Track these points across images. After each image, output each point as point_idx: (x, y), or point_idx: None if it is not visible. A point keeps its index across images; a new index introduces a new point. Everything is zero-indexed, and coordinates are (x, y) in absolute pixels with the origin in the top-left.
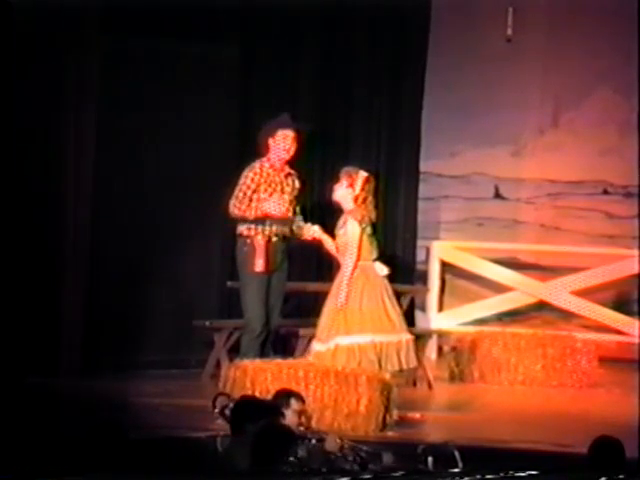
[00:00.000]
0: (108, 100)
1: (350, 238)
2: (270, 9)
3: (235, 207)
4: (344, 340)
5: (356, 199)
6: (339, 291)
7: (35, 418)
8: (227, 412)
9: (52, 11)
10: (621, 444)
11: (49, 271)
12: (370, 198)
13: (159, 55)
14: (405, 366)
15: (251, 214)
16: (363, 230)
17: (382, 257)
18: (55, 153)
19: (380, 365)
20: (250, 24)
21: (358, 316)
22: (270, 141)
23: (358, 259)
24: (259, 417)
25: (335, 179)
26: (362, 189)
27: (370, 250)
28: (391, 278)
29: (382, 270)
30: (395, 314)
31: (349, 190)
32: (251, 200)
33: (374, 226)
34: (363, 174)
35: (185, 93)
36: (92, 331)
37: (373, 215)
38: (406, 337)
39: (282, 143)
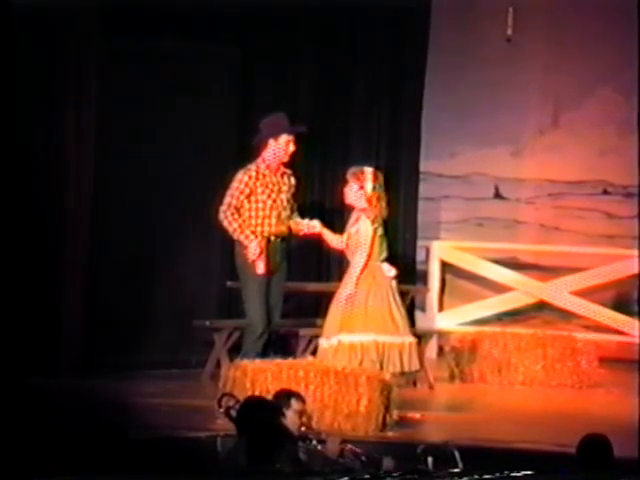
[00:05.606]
0: (108, 100)
1: (362, 237)
2: (270, 9)
3: (225, 214)
4: (347, 337)
5: (370, 200)
6: (344, 288)
7: (35, 418)
8: (232, 412)
9: (52, 11)
10: (608, 441)
11: (49, 271)
12: (382, 195)
13: (159, 55)
14: (407, 369)
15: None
16: (375, 230)
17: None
18: (55, 153)
19: (381, 366)
20: (250, 24)
21: (363, 315)
22: (271, 141)
23: (369, 259)
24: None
25: (336, 180)
26: (373, 188)
27: (379, 251)
28: None
29: (389, 271)
30: (400, 316)
31: (361, 192)
32: (241, 206)
33: (385, 225)
34: (369, 170)
35: (185, 93)
36: (92, 331)
37: (385, 212)
38: (409, 340)
39: (284, 147)
